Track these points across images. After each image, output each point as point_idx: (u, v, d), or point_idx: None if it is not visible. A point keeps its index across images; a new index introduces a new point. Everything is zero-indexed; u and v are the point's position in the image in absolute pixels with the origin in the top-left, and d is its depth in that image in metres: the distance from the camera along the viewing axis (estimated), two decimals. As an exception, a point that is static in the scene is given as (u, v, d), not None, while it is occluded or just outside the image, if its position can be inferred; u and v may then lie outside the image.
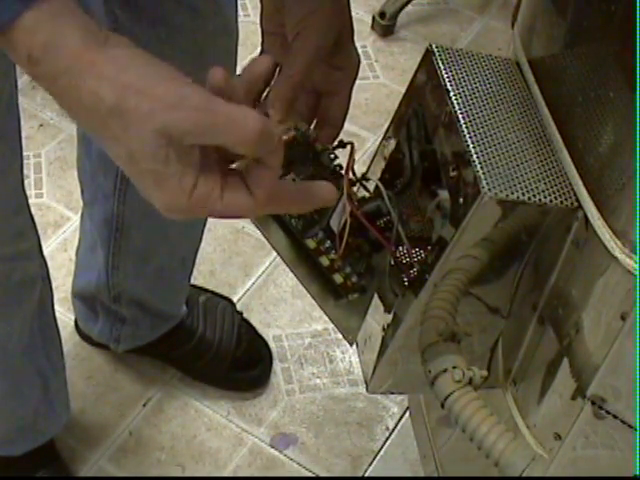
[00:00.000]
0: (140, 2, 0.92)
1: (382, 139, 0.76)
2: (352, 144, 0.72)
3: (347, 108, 0.71)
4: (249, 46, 1.17)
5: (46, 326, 1.14)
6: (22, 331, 1.08)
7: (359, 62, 0.71)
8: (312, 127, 0.72)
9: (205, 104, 0.49)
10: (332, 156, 0.73)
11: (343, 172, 0.73)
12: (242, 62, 1.06)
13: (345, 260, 0.73)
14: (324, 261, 0.73)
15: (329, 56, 0.67)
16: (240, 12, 1.02)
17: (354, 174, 0.72)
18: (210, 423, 1.35)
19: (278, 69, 0.71)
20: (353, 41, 0.69)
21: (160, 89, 0.49)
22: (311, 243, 0.72)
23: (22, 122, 0.94)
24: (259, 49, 0.72)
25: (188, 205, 0.51)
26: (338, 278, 0.74)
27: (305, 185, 0.57)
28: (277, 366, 1.42)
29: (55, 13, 0.49)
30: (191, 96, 0.49)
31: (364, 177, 0.75)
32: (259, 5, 0.70)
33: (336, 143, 0.72)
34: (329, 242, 0.72)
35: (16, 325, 1.07)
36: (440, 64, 0.68)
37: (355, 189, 0.73)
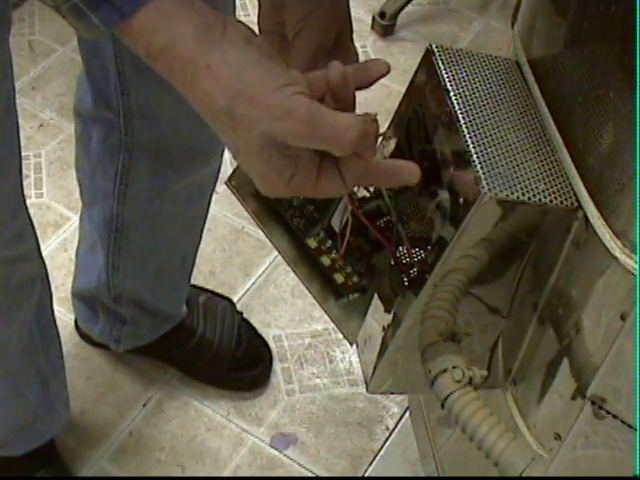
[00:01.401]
0: None
1: (382, 139, 0.76)
2: None
3: None
4: (249, 46, 1.17)
5: (45, 326, 1.14)
6: (21, 332, 1.08)
7: (358, 60, 0.71)
8: None
9: (310, 118, 0.51)
10: None
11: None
12: (242, 62, 1.06)
13: (346, 260, 0.73)
14: (325, 261, 0.73)
15: (329, 55, 0.67)
16: (240, 12, 1.02)
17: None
18: (210, 423, 1.35)
19: None
20: (352, 39, 0.70)
21: (270, 99, 0.52)
22: (312, 242, 0.72)
23: (22, 122, 0.94)
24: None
25: (285, 191, 0.55)
26: (339, 278, 0.74)
27: (391, 163, 0.60)
28: (277, 366, 1.42)
29: (172, 10, 0.52)
30: (298, 108, 0.51)
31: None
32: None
33: None
34: (330, 242, 0.72)
35: (16, 326, 1.07)
36: (440, 64, 0.68)
37: (355, 189, 0.73)
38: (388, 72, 0.59)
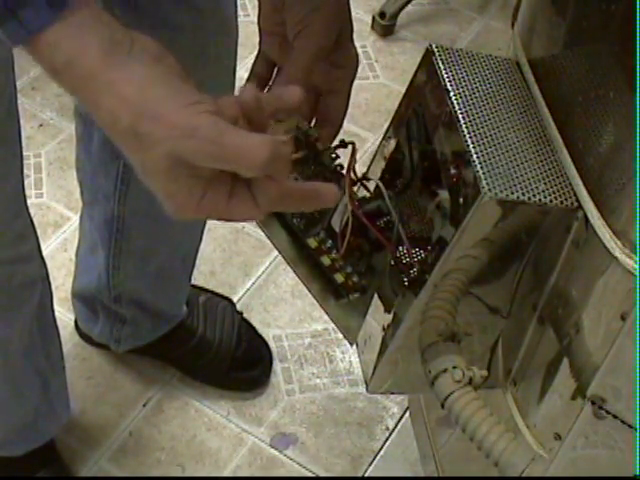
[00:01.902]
0: (141, 4, 0.92)
1: (382, 139, 0.77)
2: (353, 144, 0.72)
3: (347, 106, 0.71)
4: (249, 46, 1.17)
5: (46, 327, 1.14)
6: (22, 332, 1.08)
7: (358, 60, 0.71)
8: (312, 126, 0.72)
9: (216, 137, 0.49)
10: (333, 156, 0.73)
11: (344, 172, 0.73)
12: (242, 62, 1.06)
13: (346, 260, 0.73)
14: (325, 260, 0.73)
15: (329, 55, 0.67)
16: (240, 12, 1.02)
17: (355, 174, 0.72)
18: (210, 423, 1.35)
19: (277, 68, 0.71)
20: (352, 39, 0.69)
21: (175, 117, 0.50)
22: (313, 242, 0.72)
23: (22, 122, 0.94)
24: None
25: (195, 212, 0.53)
26: (339, 278, 0.74)
27: (307, 187, 0.57)
28: (277, 366, 1.42)
29: (79, 26, 0.50)
30: (203, 127, 0.49)
31: (365, 177, 0.75)
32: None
33: (337, 143, 0.73)
34: (330, 242, 0.72)
35: (17, 327, 1.07)
36: (440, 64, 0.68)
37: (355, 189, 0.73)
38: (300, 101, 0.56)
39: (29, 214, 1.01)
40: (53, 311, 1.15)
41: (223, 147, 0.49)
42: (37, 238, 1.04)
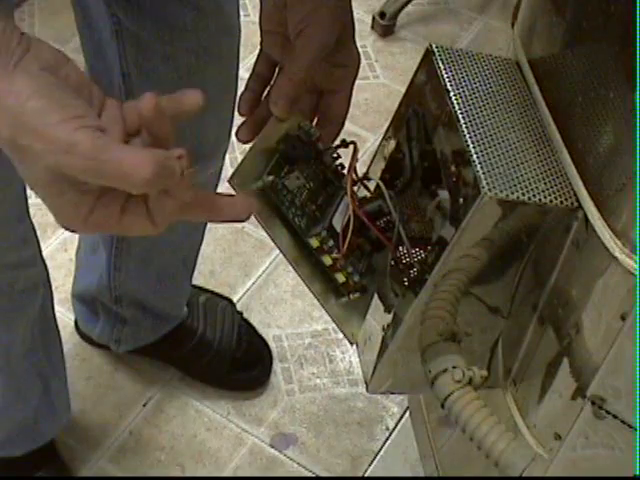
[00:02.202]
0: (143, 4, 0.92)
1: (382, 139, 0.77)
2: (355, 144, 0.72)
3: (348, 106, 0.71)
4: (249, 46, 1.17)
5: (47, 329, 1.14)
6: (24, 336, 1.08)
7: (360, 59, 0.71)
8: (314, 125, 0.72)
9: (94, 153, 0.48)
10: (334, 155, 0.73)
11: (345, 172, 0.73)
12: (242, 62, 1.06)
13: (347, 259, 0.73)
14: (326, 260, 0.73)
15: (331, 54, 0.67)
16: (240, 12, 1.02)
17: (356, 174, 0.72)
18: (210, 423, 1.35)
19: (278, 68, 0.71)
20: (354, 38, 0.69)
21: (53, 131, 0.48)
22: (314, 242, 0.72)
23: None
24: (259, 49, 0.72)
25: (83, 227, 0.52)
26: (340, 277, 0.74)
27: (216, 201, 0.55)
28: (277, 366, 1.42)
29: None
30: (82, 143, 0.48)
31: (366, 177, 0.75)
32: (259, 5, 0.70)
33: (338, 142, 0.73)
34: (332, 241, 0.72)
35: (19, 331, 1.07)
36: (440, 64, 0.68)
37: (355, 189, 0.73)
38: (200, 104, 0.54)
39: (30, 218, 1.01)
40: (54, 313, 1.15)
41: (102, 163, 0.48)
42: (38, 242, 1.04)
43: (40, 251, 1.05)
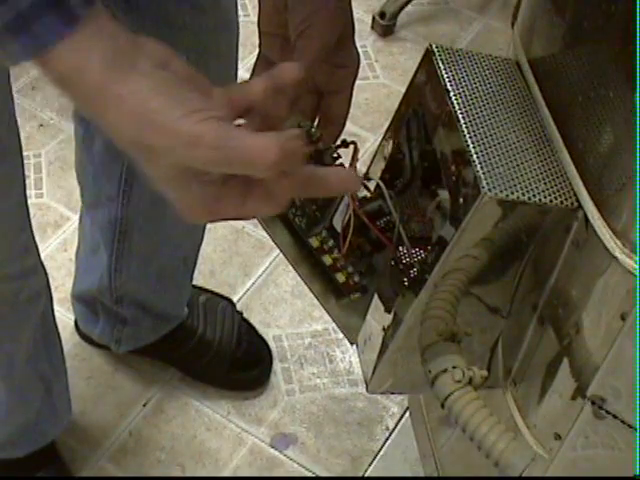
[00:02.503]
0: (142, 3, 0.92)
1: (382, 139, 0.77)
2: (355, 144, 0.72)
3: (349, 106, 0.71)
4: (249, 46, 1.17)
5: (48, 333, 1.14)
6: (27, 342, 1.08)
7: (360, 60, 0.71)
8: (315, 126, 0.72)
9: (220, 143, 0.49)
10: (335, 155, 0.73)
11: (345, 172, 0.73)
12: (242, 62, 1.06)
13: (347, 259, 0.73)
14: (327, 260, 0.73)
15: (331, 54, 0.67)
16: (240, 12, 1.02)
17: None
18: (210, 423, 1.35)
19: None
20: (354, 39, 0.69)
21: (177, 127, 0.49)
22: (314, 242, 0.72)
23: (22, 122, 0.94)
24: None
25: (211, 217, 0.53)
26: (340, 277, 0.74)
27: (320, 174, 0.56)
28: (277, 366, 1.42)
29: (84, 40, 0.49)
30: (207, 134, 0.49)
31: (366, 177, 0.75)
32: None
33: (339, 142, 0.73)
34: (332, 241, 0.72)
35: (23, 340, 1.07)
36: (440, 64, 0.68)
37: (355, 189, 0.73)
38: (300, 75, 0.55)
39: (31, 227, 1.01)
40: (54, 316, 1.15)
41: (229, 153, 0.49)
42: (38, 250, 1.04)
43: (40, 258, 1.05)
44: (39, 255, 1.05)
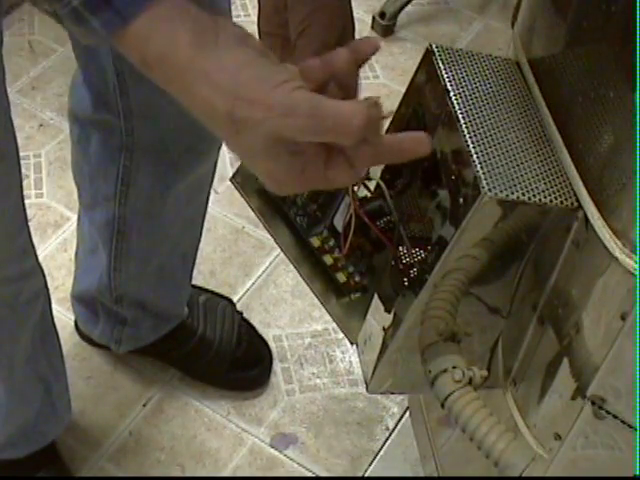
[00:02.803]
0: None
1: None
2: None
3: None
4: (249, 46, 1.17)
5: (47, 333, 1.14)
6: (26, 343, 1.08)
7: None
8: None
9: (314, 110, 0.51)
10: None
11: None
12: (242, 62, 1.06)
13: (348, 259, 0.73)
14: (327, 259, 0.73)
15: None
16: (240, 12, 1.02)
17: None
18: (210, 423, 1.35)
19: None
20: (354, 37, 0.70)
21: (270, 98, 0.51)
22: (315, 241, 0.72)
23: (22, 122, 0.94)
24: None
25: (294, 187, 0.55)
26: (341, 277, 0.74)
27: (398, 140, 0.57)
28: (277, 366, 1.42)
29: (167, 18, 0.51)
30: (300, 103, 0.51)
31: (367, 177, 0.75)
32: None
33: None
34: (333, 241, 0.72)
35: (22, 341, 1.07)
36: (440, 64, 0.68)
37: (356, 188, 0.73)
38: (378, 48, 0.57)
39: (29, 229, 1.01)
40: (52, 316, 1.15)
41: (322, 120, 0.51)
42: (36, 252, 1.04)
43: (37, 258, 1.05)
44: (37, 256, 1.05)
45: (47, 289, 1.10)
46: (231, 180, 0.71)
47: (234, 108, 0.51)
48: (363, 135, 0.52)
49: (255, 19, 0.71)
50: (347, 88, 0.55)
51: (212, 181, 1.18)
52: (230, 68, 0.51)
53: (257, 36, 0.71)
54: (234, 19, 1.06)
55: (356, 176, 0.56)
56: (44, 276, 1.08)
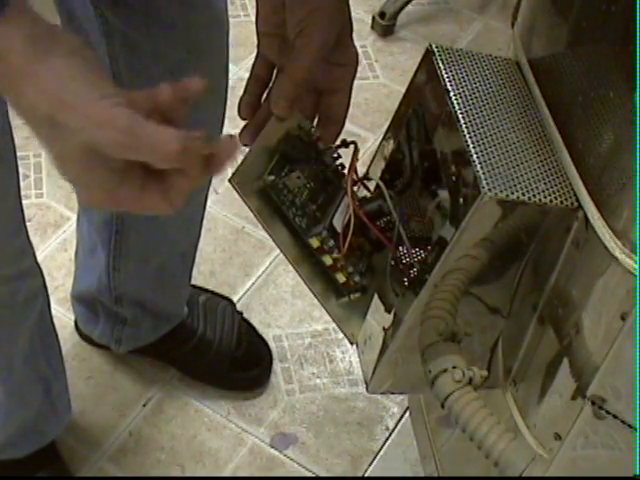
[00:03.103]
0: (131, 2, 0.91)
1: (382, 139, 0.77)
2: (355, 144, 0.72)
3: (348, 105, 0.71)
4: (249, 45, 1.17)
5: (45, 333, 1.14)
6: (24, 343, 1.08)
7: (358, 58, 0.71)
8: (314, 125, 0.72)
9: (129, 127, 0.52)
10: (335, 155, 0.73)
11: (345, 171, 0.73)
12: (242, 62, 1.06)
13: (347, 259, 0.73)
14: (327, 260, 0.73)
15: (330, 53, 0.67)
16: (240, 12, 1.02)
17: (356, 174, 0.72)
18: (210, 423, 1.35)
19: (277, 69, 0.71)
20: (352, 37, 0.69)
21: (90, 108, 0.52)
22: (314, 242, 0.72)
23: (22, 122, 0.94)
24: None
25: (107, 204, 0.56)
26: (341, 277, 0.74)
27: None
28: (277, 366, 1.42)
29: (7, 25, 0.52)
30: (118, 118, 0.52)
31: (366, 177, 0.75)
32: (259, 5, 0.70)
33: (339, 142, 0.73)
34: (332, 241, 0.72)
35: (20, 341, 1.07)
36: (440, 64, 0.68)
37: (355, 188, 0.73)
38: (204, 88, 0.57)
39: (27, 230, 1.01)
40: (51, 316, 1.15)
41: (137, 138, 0.52)
42: (34, 252, 1.04)
43: (36, 259, 1.05)
44: (35, 256, 1.05)
45: (46, 289, 1.10)
46: (229, 181, 0.71)
47: (55, 112, 0.52)
48: (177, 163, 0.53)
49: (254, 19, 0.70)
50: (171, 122, 0.55)
51: (210, 180, 1.17)
52: (58, 74, 0.52)
53: (255, 37, 0.71)
54: (234, 19, 1.07)
55: (169, 208, 0.56)
56: (42, 276, 1.08)
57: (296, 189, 0.72)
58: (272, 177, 0.71)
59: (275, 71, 0.71)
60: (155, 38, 0.93)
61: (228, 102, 1.05)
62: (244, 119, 0.71)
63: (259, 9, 0.69)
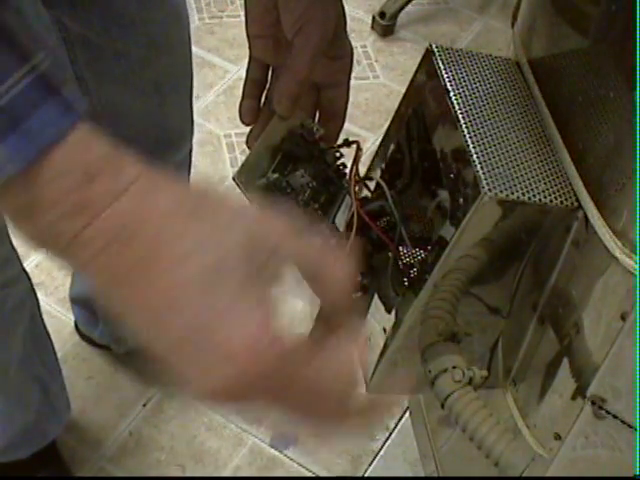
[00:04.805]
0: (87, 3, 0.90)
1: (382, 139, 0.77)
2: (358, 143, 0.72)
3: (348, 98, 0.71)
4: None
5: (38, 336, 1.14)
6: (18, 347, 1.08)
7: (353, 50, 0.71)
8: (316, 122, 0.72)
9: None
10: (337, 155, 0.73)
11: (346, 171, 0.73)
12: (242, 62, 1.06)
13: (348, 259, 0.73)
14: (328, 259, 0.73)
15: (327, 47, 0.67)
16: (240, 12, 1.02)
17: (358, 173, 0.72)
18: (210, 423, 1.35)
19: (273, 70, 0.71)
20: (346, 29, 0.69)
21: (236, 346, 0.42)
22: (316, 242, 0.72)
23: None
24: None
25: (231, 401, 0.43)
26: (341, 277, 0.74)
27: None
28: (277, 366, 1.41)
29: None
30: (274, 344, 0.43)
31: (368, 177, 0.75)
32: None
33: (341, 142, 0.73)
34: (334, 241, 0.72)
35: (14, 347, 1.07)
36: (440, 64, 0.68)
37: (357, 188, 0.73)
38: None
39: (10, 239, 1.00)
40: (42, 319, 1.14)
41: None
42: (20, 258, 1.04)
43: (23, 268, 1.05)
44: (21, 262, 1.04)
45: (34, 292, 1.10)
46: (234, 179, 0.71)
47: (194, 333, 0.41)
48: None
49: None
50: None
51: (190, 168, 1.16)
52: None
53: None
54: (234, 19, 1.06)
55: None
56: (30, 281, 1.08)
57: (299, 187, 0.72)
58: (276, 175, 0.71)
59: (270, 71, 0.71)
60: (114, 37, 0.92)
61: (228, 102, 1.05)
62: (248, 125, 0.70)
63: (249, 12, 0.69)
